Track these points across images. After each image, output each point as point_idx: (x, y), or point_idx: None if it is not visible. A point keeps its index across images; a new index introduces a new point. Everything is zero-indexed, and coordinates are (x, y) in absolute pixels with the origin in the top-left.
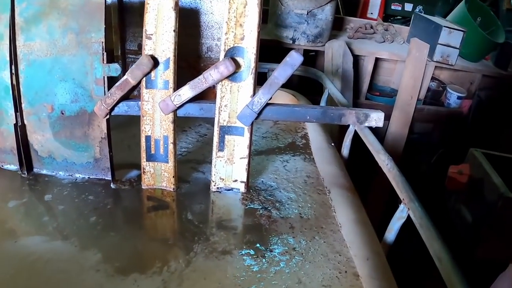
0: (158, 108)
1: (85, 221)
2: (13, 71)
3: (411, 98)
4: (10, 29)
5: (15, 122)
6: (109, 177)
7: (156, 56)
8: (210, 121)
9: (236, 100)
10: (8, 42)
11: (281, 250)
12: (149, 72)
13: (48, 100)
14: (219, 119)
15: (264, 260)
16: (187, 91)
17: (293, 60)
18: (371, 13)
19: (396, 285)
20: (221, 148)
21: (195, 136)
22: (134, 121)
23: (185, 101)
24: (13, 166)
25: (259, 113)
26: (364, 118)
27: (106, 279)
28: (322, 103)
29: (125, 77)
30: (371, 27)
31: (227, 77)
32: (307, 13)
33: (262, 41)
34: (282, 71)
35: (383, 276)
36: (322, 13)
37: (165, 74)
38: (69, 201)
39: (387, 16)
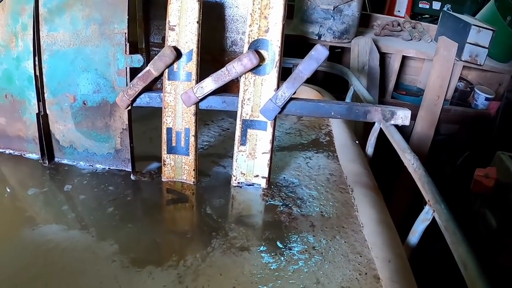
0: (180, 100)
1: (104, 212)
2: (37, 61)
3: (438, 98)
4: (34, 20)
5: (37, 111)
6: (129, 169)
7: (179, 47)
8: (233, 115)
9: (259, 93)
10: (32, 33)
11: (300, 249)
12: (172, 64)
13: (70, 90)
14: (241, 113)
15: (282, 258)
16: (210, 83)
17: (318, 54)
18: (398, 11)
19: None
20: (243, 142)
21: (217, 130)
22: (156, 114)
23: (207, 94)
24: (35, 155)
25: (283, 108)
26: (390, 116)
27: (121, 270)
28: (347, 100)
29: (147, 68)
30: (398, 25)
31: (251, 70)
32: (333, 9)
33: (288, 36)
34: (307, 65)
35: (404, 280)
36: (349, 9)
37: (188, 66)
38: (89, 191)
39: (415, 14)
